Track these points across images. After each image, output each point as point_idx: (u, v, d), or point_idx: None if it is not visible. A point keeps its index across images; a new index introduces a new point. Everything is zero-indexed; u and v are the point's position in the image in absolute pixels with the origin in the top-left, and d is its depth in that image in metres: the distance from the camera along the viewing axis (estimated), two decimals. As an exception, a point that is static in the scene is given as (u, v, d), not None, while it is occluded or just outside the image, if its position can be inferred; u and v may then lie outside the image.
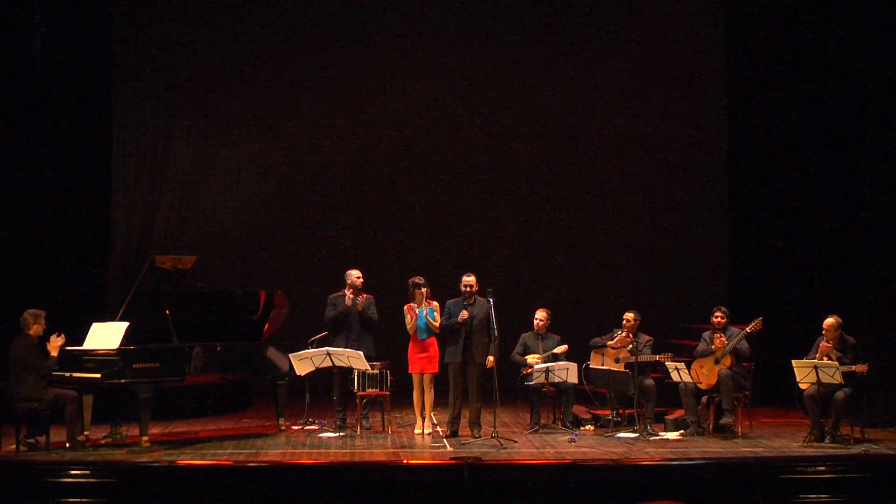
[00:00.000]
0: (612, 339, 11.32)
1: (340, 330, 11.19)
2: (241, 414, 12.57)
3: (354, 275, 11.28)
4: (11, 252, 12.88)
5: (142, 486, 7.94)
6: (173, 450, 10.11)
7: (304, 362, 10.79)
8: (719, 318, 10.90)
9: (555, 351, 11.42)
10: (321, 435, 10.98)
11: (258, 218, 14.74)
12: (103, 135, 14.19)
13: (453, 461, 8.31)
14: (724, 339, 10.79)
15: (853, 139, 12.39)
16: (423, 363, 11.01)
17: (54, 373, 10.08)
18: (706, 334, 11.03)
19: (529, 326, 11.67)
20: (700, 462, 9.05)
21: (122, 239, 14.40)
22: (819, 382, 10.15)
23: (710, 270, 14.75)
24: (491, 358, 10.71)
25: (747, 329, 10.75)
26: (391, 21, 14.87)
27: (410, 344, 11.06)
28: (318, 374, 10.99)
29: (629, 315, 11.31)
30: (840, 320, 10.40)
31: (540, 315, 11.59)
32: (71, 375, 10.16)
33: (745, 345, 10.80)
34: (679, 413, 11.07)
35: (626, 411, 11.03)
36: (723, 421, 10.69)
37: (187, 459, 9.56)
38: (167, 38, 14.51)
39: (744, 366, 10.88)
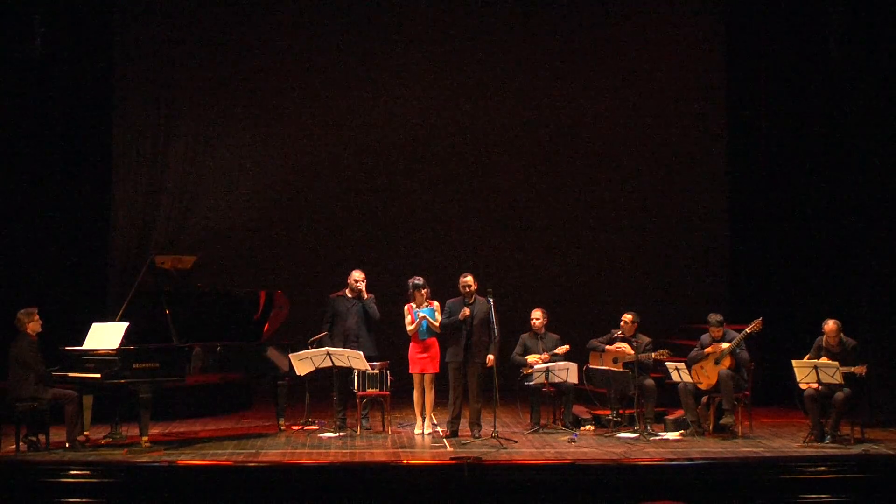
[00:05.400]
0: (611, 343, 11.32)
1: (340, 330, 11.19)
2: (241, 414, 12.56)
3: (352, 277, 11.27)
4: (12, 252, 12.87)
5: (142, 486, 7.96)
6: (173, 450, 10.09)
7: (304, 362, 10.79)
8: (716, 332, 10.85)
9: (556, 351, 11.41)
10: (321, 435, 10.97)
11: (258, 218, 14.73)
12: (103, 134, 14.18)
13: (453, 461, 8.33)
14: (720, 347, 10.76)
15: (853, 139, 12.39)
16: (423, 363, 11.01)
17: (54, 373, 10.09)
18: (704, 337, 11.00)
19: (529, 326, 11.65)
20: (700, 462, 9.05)
21: (122, 239, 14.39)
22: (819, 382, 10.16)
23: (710, 270, 14.74)
24: (491, 357, 10.71)
25: (747, 329, 10.72)
26: (391, 21, 14.84)
27: (411, 344, 11.06)
28: (318, 374, 10.99)
29: (627, 317, 11.30)
30: (839, 324, 10.40)
31: (536, 315, 11.57)
32: (71, 375, 10.16)
33: (745, 355, 10.77)
34: (679, 413, 11.07)
35: (626, 411, 11.02)
36: (723, 421, 10.68)
37: (187, 459, 9.55)
38: (167, 38, 14.50)
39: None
